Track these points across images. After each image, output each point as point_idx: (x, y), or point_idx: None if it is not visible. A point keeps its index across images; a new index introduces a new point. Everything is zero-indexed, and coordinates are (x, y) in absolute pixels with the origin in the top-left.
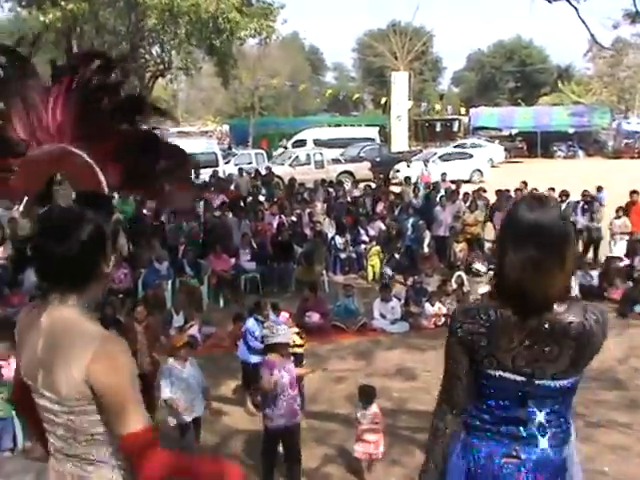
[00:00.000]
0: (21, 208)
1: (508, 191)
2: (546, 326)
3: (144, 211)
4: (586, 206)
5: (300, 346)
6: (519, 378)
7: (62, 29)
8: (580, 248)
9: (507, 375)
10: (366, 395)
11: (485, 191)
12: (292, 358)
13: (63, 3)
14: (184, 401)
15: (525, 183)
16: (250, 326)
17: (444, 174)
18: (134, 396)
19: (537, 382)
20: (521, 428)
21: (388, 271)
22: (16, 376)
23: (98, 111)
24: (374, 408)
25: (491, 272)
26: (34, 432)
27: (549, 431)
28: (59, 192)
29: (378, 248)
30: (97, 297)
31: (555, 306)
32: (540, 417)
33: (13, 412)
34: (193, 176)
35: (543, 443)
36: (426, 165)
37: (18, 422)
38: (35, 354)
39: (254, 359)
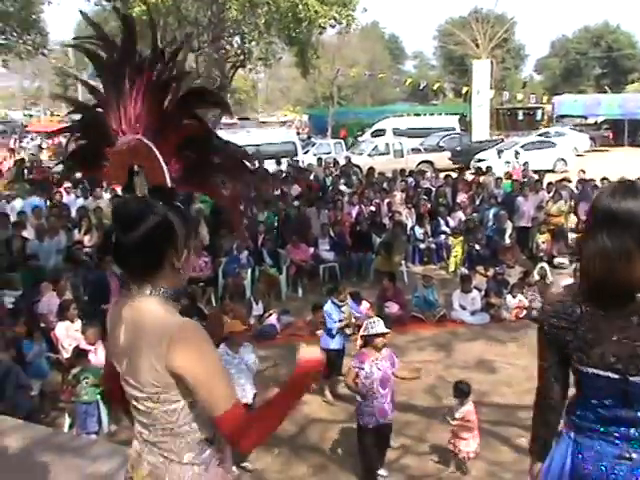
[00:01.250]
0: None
1: (593, 180)
2: (634, 319)
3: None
4: None
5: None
6: (612, 375)
7: (146, 21)
8: None
9: (599, 372)
10: (460, 392)
11: (569, 181)
12: (389, 356)
13: None
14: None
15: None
16: (327, 309)
17: (526, 163)
18: (218, 376)
19: (632, 379)
20: (632, 430)
21: (464, 269)
22: (106, 363)
23: (168, 106)
24: (467, 406)
25: (575, 264)
26: (126, 417)
27: None
28: (137, 183)
29: (462, 239)
30: (175, 288)
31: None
32: None
33: (98, 396)
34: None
35: None
36: (517, 156)
37: (103, 406)
38: (120, 343)
39: (333, 345)
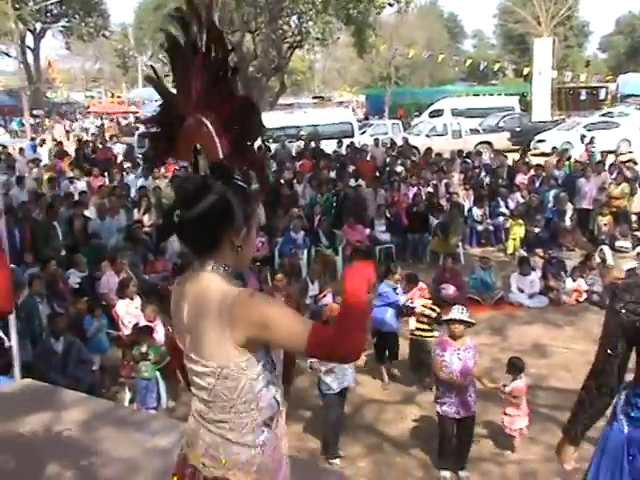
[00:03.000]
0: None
1: None
2: None
3: (281, 181)
4: None
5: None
6: None
7: (204, 2)
8: None
9: None
10: (513, 367)
11: (635, 162)
12: (473, 347)
13: None
14: (337, 370)
15: None
16: (383, 289)
17: (589, 144)
18: (286, 317)
19: None
20: None
21: (522, 252)
22: (169, 339)
23: (218, 82)
24: (517, 382)
25: (638, 248)
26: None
27: None
28: (200, 162)
29: (521, 221)
30: (237, 266)
31: None
32: None
33: (157, 373)
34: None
35: None
36: (583, 140)
37: (162, 382)
38: (183, 319)
39: (388, 326)
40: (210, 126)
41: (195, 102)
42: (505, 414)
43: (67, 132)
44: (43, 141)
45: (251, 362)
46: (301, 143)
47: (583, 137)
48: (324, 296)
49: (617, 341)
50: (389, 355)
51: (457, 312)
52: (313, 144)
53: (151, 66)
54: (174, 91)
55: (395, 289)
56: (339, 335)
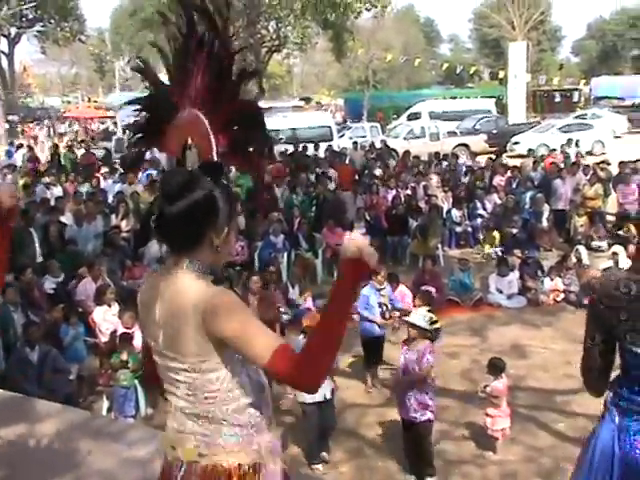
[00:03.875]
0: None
1: (631, 162)
2: None
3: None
4: None
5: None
6: None
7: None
8: None
9: None
10: (493, 368)
11: (608, 163)
12: (420, 350)
13: None
14: None
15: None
16: (365, 292)
17: (563, 145)
18: (255, 328)
19: None
20: None
21: (496, 250)
22: (144, 344)
23: (223, 82)
24: (496, 383)
25: (612, 248)
26: (164, 398)
27: None
28: (188, 157)
29: (495, 233)
30: (212, 266)
31: None
32: None
33: (136, 381)
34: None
35: None
36: (578, 144)
37: (141, 390)
38: (155, 316)
39: (376, 330)
40: (207, 124)
41: (193, 97)
42: (487, 415)
43: (34, 138)
44: (20, 145)
45: (229, 354)
46: (280, 147)
47: (570, 140)
48: (305, 300)
49: (595, 332)
50: (374, 360)
51: (415, 315)
52: (292, 148)
53: (139, 57)
54: (166, 82)
55: (380, 290)
56: (304, 365)
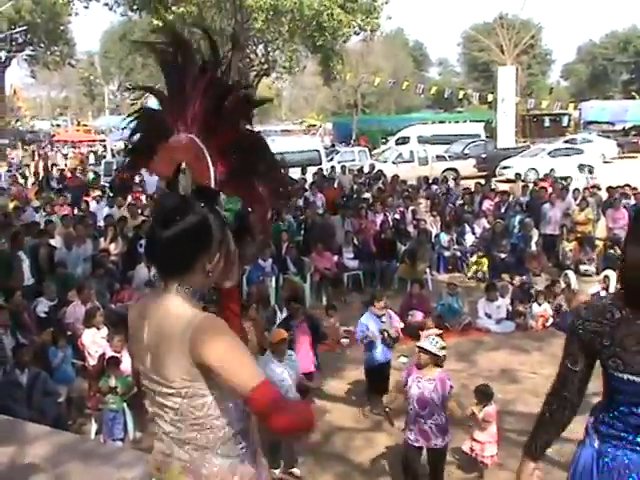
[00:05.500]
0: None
1: (621, 187)
2: None
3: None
4: None
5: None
6: None
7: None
8: None
9: (635, 379)
10: (481, 395)
11: (598, 188)
12: (439, 379)
13: (174, 7)
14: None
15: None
16: (364, 321)
17: (552, 170)
18: (241, 359)
19: None
20: None
21: (483, 272)
22: (133, 367)
23: (223, 109)
24: (488, 408)
25: (604, 272)
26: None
27: None
28: (181, 181)
29: (484, 260)
30: (202, 290)
31: None
32: None
33: (124, 404)
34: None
35: None
36: (592, 171)
37: (129, 413)
38: (143, 339)
39: (379, 358)
40: (205, 150)
41: (189, 122)
42: (474, 440)
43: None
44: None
45: (215, 381)
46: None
47: (582, 166)
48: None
49: (577, 357)
50: (378, 390)
51: (426, 341)
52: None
53: (130, 82)
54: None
55: (380, 316)
56: (283, 412)
